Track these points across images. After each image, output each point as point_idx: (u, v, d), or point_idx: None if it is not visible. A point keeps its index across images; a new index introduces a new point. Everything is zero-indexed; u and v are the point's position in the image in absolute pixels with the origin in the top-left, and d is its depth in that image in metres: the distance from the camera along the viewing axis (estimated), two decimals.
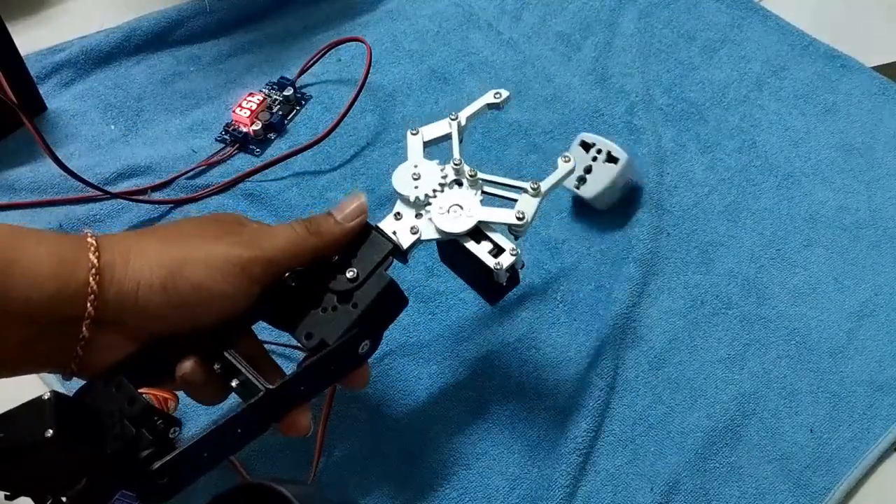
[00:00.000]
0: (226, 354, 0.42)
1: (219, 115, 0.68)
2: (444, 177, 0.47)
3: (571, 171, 0.49)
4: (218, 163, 0.65)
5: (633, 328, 0.57)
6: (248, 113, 0.66)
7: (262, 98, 0.68)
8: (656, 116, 0.68)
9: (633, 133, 0.67)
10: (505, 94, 0.51)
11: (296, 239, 0.43)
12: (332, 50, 0.70)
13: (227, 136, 0.67)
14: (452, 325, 0.57)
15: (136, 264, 0.39)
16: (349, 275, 0.43)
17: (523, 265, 0.47)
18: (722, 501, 0.50)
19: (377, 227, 0.46)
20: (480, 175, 0.47)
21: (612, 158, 0.60)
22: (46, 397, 0.36)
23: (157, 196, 0.63)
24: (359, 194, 0.46)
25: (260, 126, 0.66)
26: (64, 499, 0.37)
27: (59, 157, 0.60)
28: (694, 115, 0.69)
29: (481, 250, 0.45)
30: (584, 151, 0.60)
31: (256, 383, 0.41)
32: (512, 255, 0.45)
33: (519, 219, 0.45)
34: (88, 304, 0.38)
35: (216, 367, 0.42)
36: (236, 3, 0.74)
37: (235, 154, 0.66)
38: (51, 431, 0.35)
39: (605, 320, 0.57)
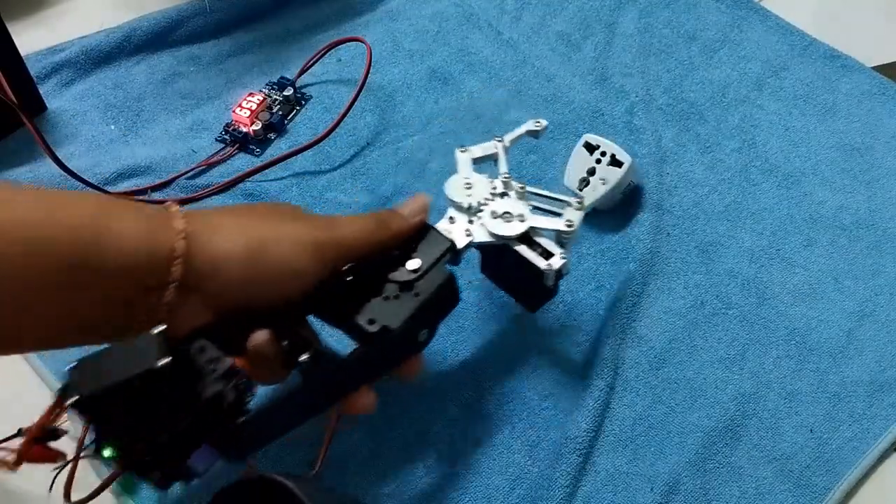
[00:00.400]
0: (298, 329, 0.43)
1: (219, 115, 0.68)
2: (494, 188, 0.50)
3: (610, 190, 0.56)
4: (218, 163, 0.65)
5: (633, 328, 0.57)
6: (248, 113, 0.66)
7: (262, 98, 0.68)
8: (656, 116, 0.68)
9: (633, 133, 0.67)
10: (544, 123, 0.55)
11: (365, 229, 0.45)
12: (332, 50, 0.70)
13: (227, 136, 0.67)
14: (452, 325, 0.57)
15: (223, 235, 0.41)
16: (412, 266, 0.46)
17: (567, 273, 0.49)
18: (722, 501, 0.50)
19: (434, 228, 0.48)
20: (528, 188, 0.50)
21: (616, 162, 0.60)
22: (157, 332, 0.37)
23: (157, 196, 0.63)
24: (422, 194, 0.49)
25: (260, 126, 0.66)
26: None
27: (59, 157, 0.60)
28: (694, 115, 0.69)
29: (532, 254, 0.48)
30: (588, 153, 0.60)
31: (332, 354, 0.43)
32: (562, 258, 0.48)
33: (568, 226, 0.49)
34: (176, 268, 0.39)
35: (284, 343, 0.43)
36: (236, 3, 0.74)
37: (235, 154, 0.66)
38: (164, 360, 0.36)
39: (605, 320, 0.57)
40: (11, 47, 0.63)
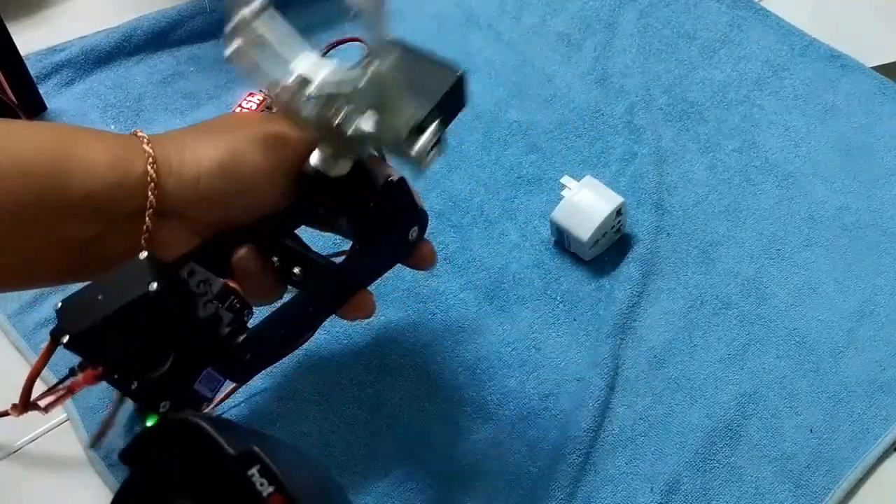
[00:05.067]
0: (286, 242, 0.43)
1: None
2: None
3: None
4: None
5: (633, 328, 0.57)
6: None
7: (262, 98, 0.68)
8: (656, 116, 0.68)
9: (633, 133, 0.67)
10: None
11: None
12: (332, 50, 0.70)
13: None
14: (452, 326, 0.57)
15: (192, 154, 0.40)
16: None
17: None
18: (722, 501, 0.50)
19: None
20: None
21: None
22: (143, 257, 0.36)
23: None
24: None
25: None
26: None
27: None
28: (694, 115, 0.69)
29: None
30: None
31: (324, 263, 0.42)
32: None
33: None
34: (150, 194, 0.38)
35: (274, 259, 0.43)
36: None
37: None
38: (155, 285, 0.35)
39: (605, 320, 0.57)
40: (11, 47, 0.63)
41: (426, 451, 0.52)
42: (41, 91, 0.67)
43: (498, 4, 0.77)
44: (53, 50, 0.71)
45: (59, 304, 0.35)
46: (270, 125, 0.42)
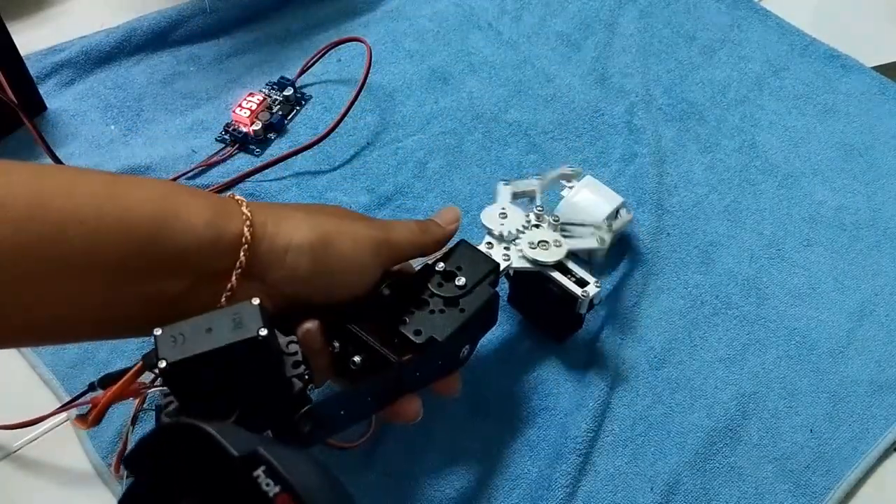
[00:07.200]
0: (352, 328, 0.44)
1: (219, 115, 0.68)
2: (528, 220, 0.52)
3: (630, 221, 0.59)
4: (218, 163, 0.65)
5: (633, 328, 0.57)
6: (248, 113, 0.66)
7: (262, 98, 0.68)
8: (656, 116, 0.68)
9: (633, 133, 0.67)
10: (579, 169, 0.58)
11: (412, 232, 0.47)
12: (332, 50, 0.70)
13: (227, 136, 0.67)
14: None
15: (288, 226, 0.41)
16: (459, 282, 0.46)
17: (599, 302, 0.53)
18: (722, 501, 0.50)
19: (478, 248, 0.49)
20: (561, 220, 0.53)
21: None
22: (256, 303, 0.37)
23: None
24: (452, 207, 0.51)
25: (260, 126, 0.66)
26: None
27: (59, 157, 0.60)
28: (694, 115, 0.69)
29: (567, 281, 0.50)
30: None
31: (388, 355, 0.43)
32: (596, 286, 0.50)
33: (601, 243, 0.53)
34: (241, 254, 0.39)
35: (335, 344, 0.44)
36: (236, 3, 0.74)
37: (235, 154, 0.66)
38: (264, 331, 0.35)
39: (605, 320, 0.57)
40: (11, 47, 0.63)
41: (426, 450, 0.52)
42: (41, 91, 0.67)
43: (498, 4, 0.77)
44: (53, 50, 0.71)
45: (159, 332, 0.36)
46: (371, 230, 0.44)
